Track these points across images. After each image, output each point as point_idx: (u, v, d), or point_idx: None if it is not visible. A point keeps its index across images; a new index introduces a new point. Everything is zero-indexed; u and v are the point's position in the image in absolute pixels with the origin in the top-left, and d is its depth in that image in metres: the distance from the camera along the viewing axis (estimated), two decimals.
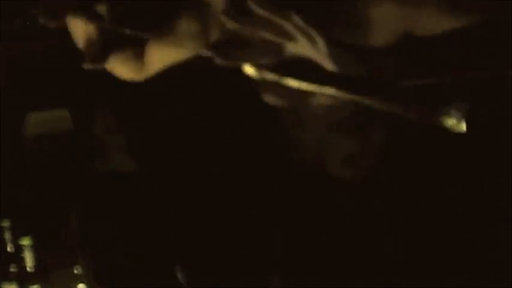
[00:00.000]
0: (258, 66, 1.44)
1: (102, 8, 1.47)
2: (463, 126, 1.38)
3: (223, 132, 2.31)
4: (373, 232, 1.65)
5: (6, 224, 2.27)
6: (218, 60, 1.43)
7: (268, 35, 1.41)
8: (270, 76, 1.43)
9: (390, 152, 1.61)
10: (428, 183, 1.67)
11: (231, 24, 1.40)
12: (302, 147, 1.64)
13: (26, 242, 2.22)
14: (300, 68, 1.47)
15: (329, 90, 1.43)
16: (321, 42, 1.39)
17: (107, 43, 1.51)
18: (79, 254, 2.32)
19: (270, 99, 1.58)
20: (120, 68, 1.59)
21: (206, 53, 1.43)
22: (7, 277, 2.25)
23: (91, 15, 1.42)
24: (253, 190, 2.02)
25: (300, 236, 1.72)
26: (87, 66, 1.47)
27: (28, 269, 2.24)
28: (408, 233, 1.65)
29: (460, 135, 1.62)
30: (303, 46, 1.40)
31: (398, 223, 1.64)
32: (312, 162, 1.63)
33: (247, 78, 1.66)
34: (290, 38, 1.40)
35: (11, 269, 2.25)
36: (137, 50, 1.54)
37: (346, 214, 1.65)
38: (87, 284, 2.28)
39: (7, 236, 2.27)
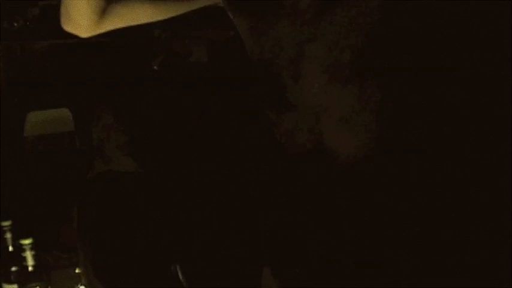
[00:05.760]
0: None
1: None
2: None
3: (222, 128, 2.31)
4: (371, 219, 1.64)
5: (6, 224, 2.27)
6: None
7: None
8: None
9: (386, 111, 1.59)
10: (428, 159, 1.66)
11: None
12: (299, 112, 1.61)
13: (26, 242, 2.22)
14: None
15: None
16: None
17: None
18: (79, 252, 2.32)
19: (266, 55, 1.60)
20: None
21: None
22: (8, 277, 2.25)
23: None
24: (252, 186, 2.02)
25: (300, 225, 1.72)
26: None
27: (29, 268, 2.24)
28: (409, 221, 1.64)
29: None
30: None
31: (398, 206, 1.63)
32: (309, 126, 1.60)
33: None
34: None
35: (12, 269, 2.26)
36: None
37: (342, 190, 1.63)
38: (86, 282, 2.28)
39: (8, 236, 2.27)
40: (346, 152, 1.59)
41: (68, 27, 1.77)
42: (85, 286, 2.27)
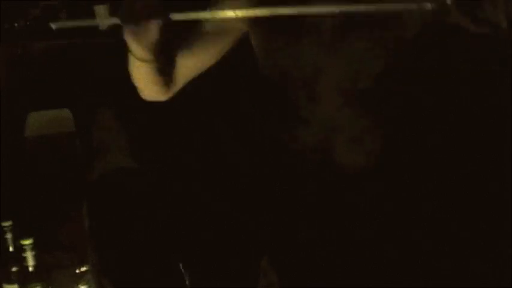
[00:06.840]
0: None
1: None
2: None
3: (223, 128, 2.31)
4: (375, 225, 1.64)
5: (7, 224, 2.27)
6: None
7: None
8: None
9: (399, 133, 1.60)
10: (436, 175, 1.67)
11: None
12: (312, 128, 1.63)
13: (26, 242, 2.22)
14: None
15: None
16: None
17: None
18: (89, 252, 2.33)
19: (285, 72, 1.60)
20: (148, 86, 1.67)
21: None
22: (8, 277, 2.25)
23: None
24: (255, 184, 2.02)
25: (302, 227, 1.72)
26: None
27: (29, 269, 2.24)
28: (411, 227, 1.65)
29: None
30: None
31: (403, 215, 1.63)
32: (321, 143, 1.62)
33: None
34: None
35: (13, 269, 2.26)
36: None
37: (352, 202, 1.64)
38: (94, 281, 2.28)
39: (8, 236, 2.27)
40: (354, 168, 1.60)
41: (148, 98, 1.78)
42: (91, 285, 2.28)
